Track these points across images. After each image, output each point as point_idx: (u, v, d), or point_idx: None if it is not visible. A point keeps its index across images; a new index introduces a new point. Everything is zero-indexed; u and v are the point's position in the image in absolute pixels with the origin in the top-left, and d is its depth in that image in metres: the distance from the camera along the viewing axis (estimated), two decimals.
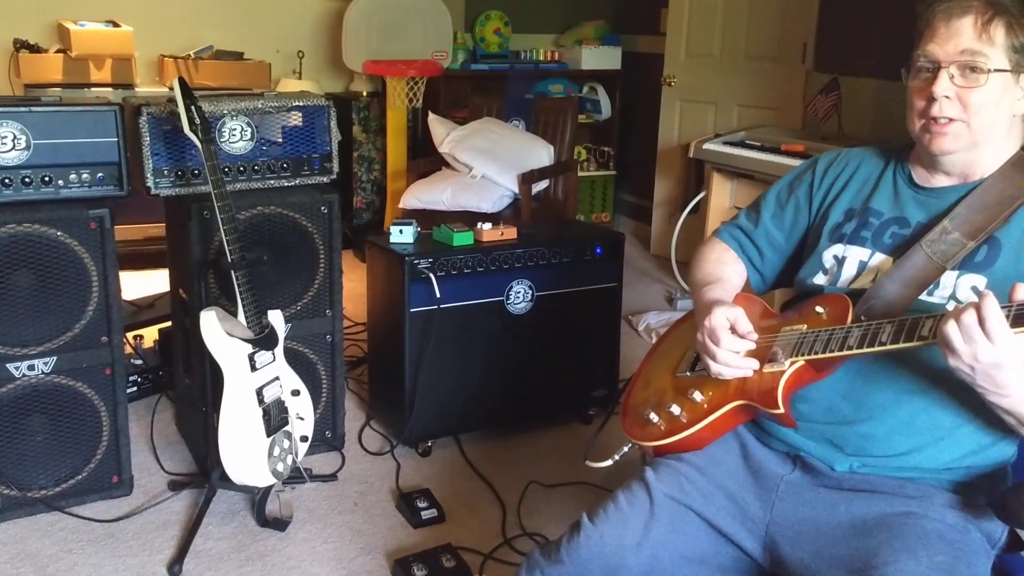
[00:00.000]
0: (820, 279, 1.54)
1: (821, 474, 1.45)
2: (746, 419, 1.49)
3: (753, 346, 1.44)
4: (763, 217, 1.69)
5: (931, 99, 1.39)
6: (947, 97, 1.38)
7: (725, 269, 1.68)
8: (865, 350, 1.30)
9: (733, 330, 1.44)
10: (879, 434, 1.41)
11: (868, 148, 1.63)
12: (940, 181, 1.48)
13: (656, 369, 1.67)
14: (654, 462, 1.53)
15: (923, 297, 1.39)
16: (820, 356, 1.36)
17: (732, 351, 1.43)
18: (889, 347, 1.27)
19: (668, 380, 1.59)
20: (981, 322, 1.15)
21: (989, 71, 1.36)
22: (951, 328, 1.17)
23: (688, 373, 1.57)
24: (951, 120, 1.39)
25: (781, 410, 1.36)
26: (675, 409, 1.50)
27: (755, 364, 1.42)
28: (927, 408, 1.38)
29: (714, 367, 1.44)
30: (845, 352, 1.33)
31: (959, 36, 1.37)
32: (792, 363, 1.38)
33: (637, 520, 1.42)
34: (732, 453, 1.52)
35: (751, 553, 1.45)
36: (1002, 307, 1.16)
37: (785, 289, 1.75)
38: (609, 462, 1.62)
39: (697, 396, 1.48)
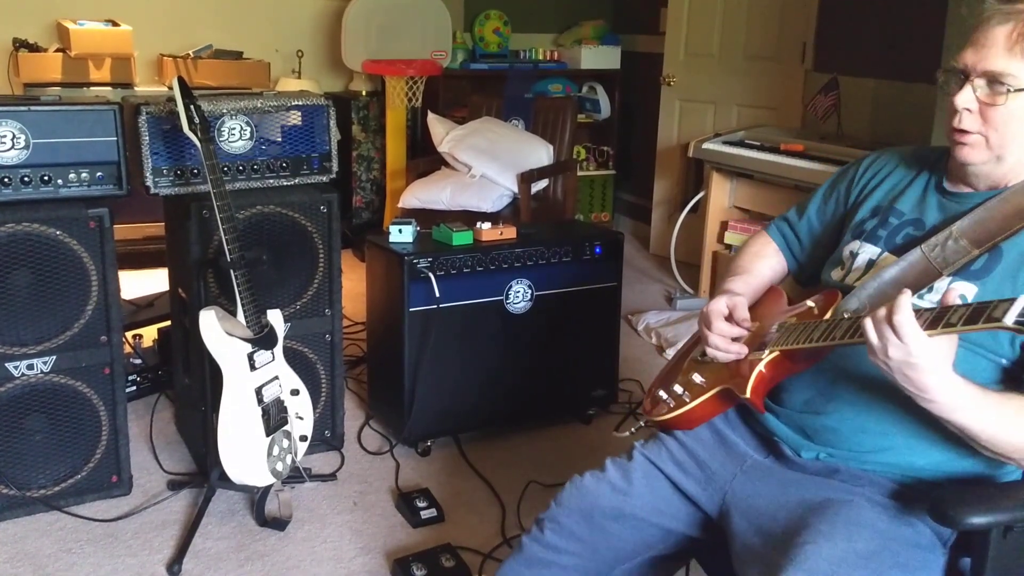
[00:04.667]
0: (837, 274, 1.55)
1: (789, 460, 1.48)
2: (732, 403, 1.54)
3: (746, 333, 1.51)
4: (809, 209, 1.73)
5: (955, 109, 1.36)
6: (968, 110, 1.35)
7: (757, 263, 1.73)
8: (823, 343, 1.32)
9: (731, 317, 1.52)
10: (844, 429, 1.41)
11: (911, 149, 1.62)
12: (968, 188, 1.46)
13: (686, 354, 1.74)
14: (650, 436, 1.64)
15: (913, 300, 1.36)
16: (789, 348, 1.40)
17: (721, 335, 1.51)
18: (839, 342, 1.29)
19: (686, 364, 1.67)
20: (888, 318, 1.15)
21: (1009, 91, 1.30)
22: (867, 323, 1.19)
23: (700, 357, 1.64)
24: (970, 132, 1.36)
25: (747, 396, 1.42)
26: (678, 389, 1.59)
27: (743, 350, 1.49)
28: (896, 409, 1.36)
29: (708, 350, 1.53)
30: (807, 345, 1.35)
31: (990, 47, 1.32)
32: (770, 352, 1.43)
33: (616, 474, 1.56)
34: (715, 431, 1.57)
35: (710, 514, 1.52)
36: (927, 309, 1.16)
37: None
38: (627, 433, 1.78)
39: (697, 378, 1.56)
